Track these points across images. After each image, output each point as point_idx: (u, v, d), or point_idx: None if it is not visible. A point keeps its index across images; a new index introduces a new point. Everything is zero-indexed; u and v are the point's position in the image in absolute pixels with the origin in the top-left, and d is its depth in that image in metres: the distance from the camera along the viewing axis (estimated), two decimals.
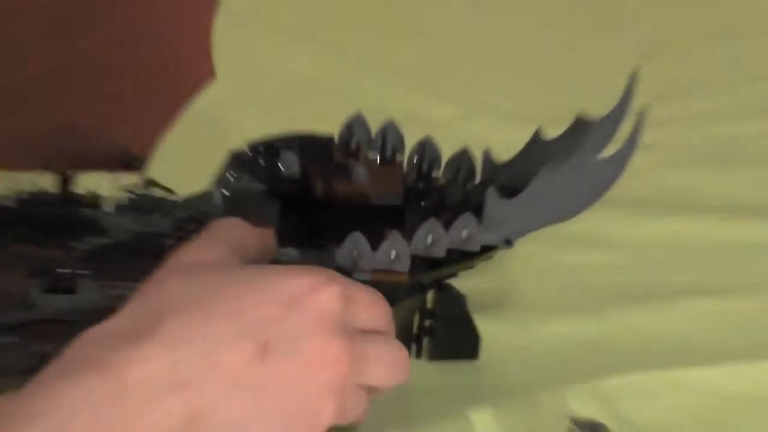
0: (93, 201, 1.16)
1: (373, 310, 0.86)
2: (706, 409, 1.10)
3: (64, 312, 1.04)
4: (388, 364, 0.85)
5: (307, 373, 0.80)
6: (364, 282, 0.92)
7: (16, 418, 0.71)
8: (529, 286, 1.29)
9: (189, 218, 1.14)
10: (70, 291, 1.06)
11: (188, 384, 0.77)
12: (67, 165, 1.16)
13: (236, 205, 1.13)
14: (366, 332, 0.83)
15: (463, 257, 1.06)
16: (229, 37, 1.60)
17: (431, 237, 1.02)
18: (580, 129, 1.07)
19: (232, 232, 0.92)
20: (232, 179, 1.14)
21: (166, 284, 0.83)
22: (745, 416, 1.08)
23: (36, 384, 0.75)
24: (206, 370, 0.78)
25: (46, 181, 1.16)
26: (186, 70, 1.43)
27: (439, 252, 1.03)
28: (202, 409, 0.78)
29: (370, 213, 1.12)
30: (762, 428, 1.09)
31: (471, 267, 1.11)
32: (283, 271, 0.82)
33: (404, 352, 0.86)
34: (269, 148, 1.16)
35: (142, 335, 0.77)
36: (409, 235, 1.02)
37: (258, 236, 0.95)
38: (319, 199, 1.13)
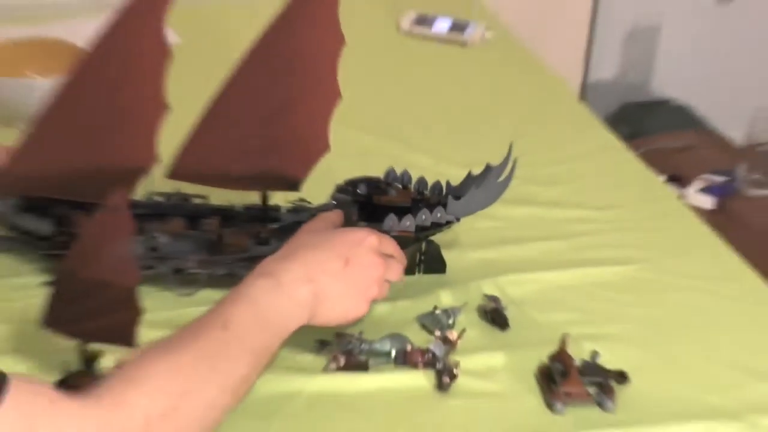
0: (276, 207, 1.80)
1: (392, 248, 1.53)
2: (550, 291, 1.76)
3: (265, 252, 1.58)
4: (398, 270, 1.52)
5: (366, 271, 1.45)
6: (395, 237, 1.63)
7: (238, 294, 1.34)
8: (466, 236, 1.90)
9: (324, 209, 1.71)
10: (266, 243, 1.71)
11: (313, 279, 1.39)
12: (266, 188, 1.77)
13: (339, 207, 1.73)
14: (388, 257, 1.50)
15: (437, 226, 1.73)
16: None
17: (423, 217, 1.68)
18: (488, 170, 1.73)
19: (330, 216, 1.59)
20: (338, 196, 1.77)
21: (301, 237, 1.49)
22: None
23: (245, 280, 1.37)
24: (320, 272, 1.40)
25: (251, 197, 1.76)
26: (321, 141, 1.81)
27: (427, 223, 1.70)
28: (320, 291, 1.40)
29: (397, 209, 1.72)
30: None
31: (440, 231, 1.77)
32: (350, 230, 1.51)
33: (403, 265, 1.54)
34: (352, 182, 1.79)
35: (288, 258, 1.41)
36: (414, 217, 1.69)
37: (340, 218, 1.61)
38: (375, 204, 1.78)
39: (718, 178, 2.51)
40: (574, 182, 2.00)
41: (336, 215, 1.59)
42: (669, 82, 3.55)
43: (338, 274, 1.35)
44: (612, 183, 2.02)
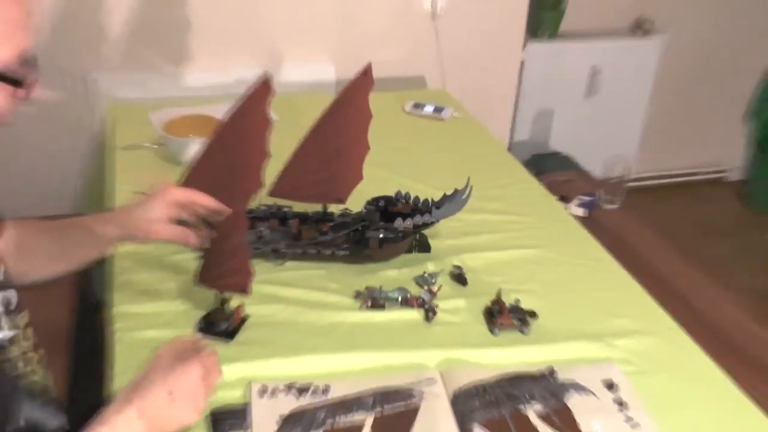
0: (331, 213, 1.74)
1: (211, 362, 1.17)
2: (492, 264, 1.73)
3: (324, 240, 1.64)
4: (216, 375, 1.18)
5: (188, 395, 1.13)
6: (402, 229, 1.60)
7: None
8: (443, 230, 1.82)
9: (359, 216, 1.71)
10: (325, 234, 1.67)
11: (143, 414, 1.09)
12: (325, 202, 1.72)
13: (368, 214, 1.69)
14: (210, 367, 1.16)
15: (425, 225, 1.69)
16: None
17: (417, 219, 1.65)
18: (456, 192, 1.70)
19: (173, 347, 1.19)
20: (367, 207, 1.71)
21: (146, 373, 1.14)
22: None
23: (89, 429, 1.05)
24: (150, 407, 1.10)
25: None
26: (357, 175, 1.71)
27: (419, 223, 1.65)
28: (150, 419, 1.10)
29: (402, 214, 1.65)
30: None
31: (427, 228, 1.71)
32: (181, 366, 1.13)
33: (218, 372, 1.19)
34: (376, 199, 1.73)
35: (126, 401, 1.09)
36: (412, 219, 1.64)
37: (179, 347, 1.20)
38: (390, 211, 1.70)
39: (587, 198, 2.54)
40: (506, 199, 1.98)
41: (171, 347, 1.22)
42: (558, 143, 3.55)
43: (165, 405, 1.11)
44: (528, 200, 2.01)
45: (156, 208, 1.39)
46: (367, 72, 1.67)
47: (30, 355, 1.22)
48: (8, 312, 1.15)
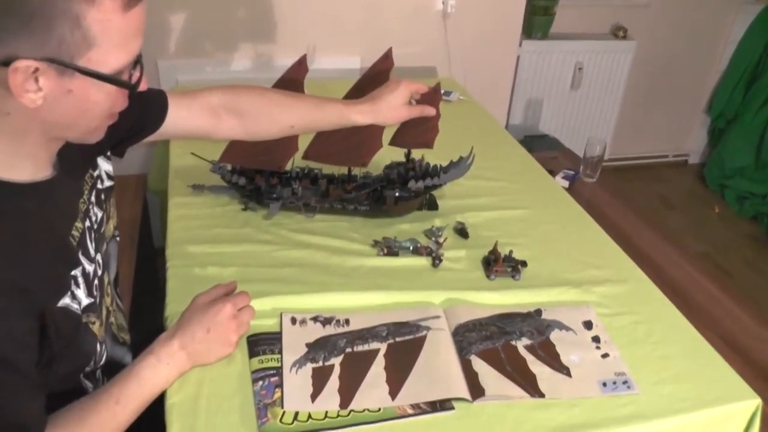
0: (355, 175, 1.69)
1: (243, 301, 1.21)
2: (489, 221, 1.69)
3: (349, 197, 1.62)
4: (249, 314, 1.21)
5: (223, 331, 1.16)
6: (415, 190, 1.57)
7: (128, 373, 1.07)
8: (448, 192, 1.79)
9: (378, 178, 1.68)
10: (350, 193, 1.63)
11: (185, 346, 1.12)
12: (351, 165, 1.66)
13: (387, 176, 1.66)
14: (243, 308, 1.20)
15: (434, 186, 1.66)
16: None
17: (428, 181, 1.62)
18: (461, 159, 1.66)
19: (209, 294, 1.22)
20: (386, 170, 1.68)
21: (186, 315, 1.18)
22: None
23: (136, 360, 1.10)
24: (190, 341, 1.13)
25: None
26: (376, 147, 1.58)
27: (429, 185, 1.63)
28: (192, 351, 1.13)
29: (415, 177, 1.63)
30: None
31: (436, 189, 1.68)
32: (214, 306, 1.16)
33: (252, 311, 1.22)
34: (392, 164, 1.70)
35: (170, 336, 1.13)
36: (423, 181, 1.62)
37: (217, 291, 1.25)
38: (404, 175, 1.66)
39: (570, 172, 2.53)
40: (502, 169, 1.94)
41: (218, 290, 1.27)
42: (546, 127, 3.56)
43: (203, 339, 1.13)
44: (521, 170, 1.97)
45: (399, 97, 1.42)
46: (388, 55, 1.64)
47: (112, 307, 1.22)
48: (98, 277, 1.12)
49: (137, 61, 0.94)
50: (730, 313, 2.36)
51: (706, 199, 3.96)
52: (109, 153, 1.23)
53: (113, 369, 1.14)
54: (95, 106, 0.92)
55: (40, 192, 0.95)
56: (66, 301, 0.98)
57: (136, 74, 0.95)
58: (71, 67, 0.85)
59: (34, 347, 0.91)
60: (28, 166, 0.94)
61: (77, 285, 1.01)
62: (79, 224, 1.06)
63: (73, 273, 1.01)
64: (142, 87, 0.97)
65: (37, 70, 0.83)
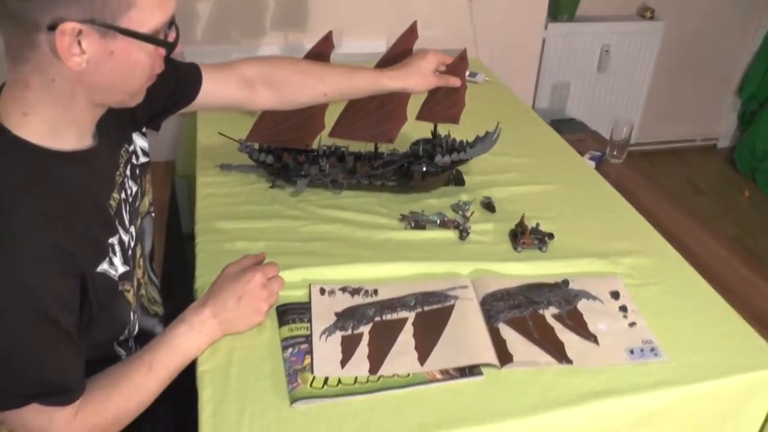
0: (381, 152, 1.69)
1: (273, 271, 1.22)
2: (515, 196, 1.69)
3: (375, 173, 1.62)
4: (279, 283, 1.22)
5: (253, 300, 1.17)
6: (441, 164, 1.57)
7: (162, 340, 1.09)
8: (475, 167, 1.78)
9: (405, 154, 1.68)
10: (377, 170, 1.63)
11: (217, 314, 1.14)
12: (377, 140, 1.66)
13: (412, 152, 1.65)
14: (272, 278, 1.21)
15: (460, 162, 1.66)
16: None
17: (454, 156, 1.63)
18: (486, 134, 1.65)
19: (239, 264, 1.25)
20: (413, 147, 1.67)
21: (217, 284, 1.20)
22: None
23: (169, 327, 1.12)
24: (221, 309, 1.15)
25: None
26: (401, 124, 1.61)
27: (456, 159, 1.64)
28: (223, 319, 1.15)
29: (442, 152, 1.63)
30: None
31: (462, 164, 1.68)
32: (244, 276, 1.17)
33: (281, 280, 1.23)
34: (419, 140, 1.69)
35: (201, 305, 1.15)
36: (450, 155, 1.62)
37: (247, 262, 1.27)
38: (431, 152, 1.66)
39: (596, 153, 2.51)
40: (529, 146, 1.94)
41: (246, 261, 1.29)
42: (573, 110, 3.54)
43: (234, 308, 1.15)
44: (548, 148, 1.96)
45: (428, 63, 1.47)
46: (413, 28, 1.64)
47: (143, 279, 1.24)
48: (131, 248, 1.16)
49: (172, 22, 0.97)
50: (762, 293, 2.34)
51: (737, 183, 3.90)
52: (144, 129, 1.26)
53: (145, 339, 1.16)
54: (136, 67, 0.94)
55: (83, 160, 0.98)
56: (104, 266, 1.00)
57: (172, 34, 0.98)
58: (113, 28, 0.87)
59: (75, 309, 0.94)
60: (72, 136, 0.97)
61: (114, 253, 1.04)
62: (116, 195, 1.09)
63: (110, 240, 1.04)
64: (178, 49, 1.00)
65: (80, 32, 0.85)
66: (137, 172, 1.19)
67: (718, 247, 2.49)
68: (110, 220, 1.05)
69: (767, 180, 3.82)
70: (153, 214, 1.29)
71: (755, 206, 3.73)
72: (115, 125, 1.09)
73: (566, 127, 3.21)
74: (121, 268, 1.06)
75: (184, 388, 1.12)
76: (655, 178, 3.07)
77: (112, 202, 1.06)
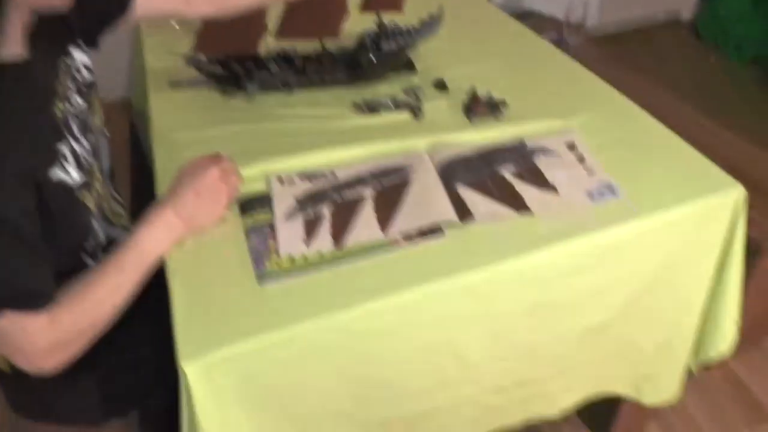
0: (329, 50, 1.65)
1: (229, 167, 1.20)
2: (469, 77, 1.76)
3: (320, 69, 1.60)
4: (235, 181, 1.22)
5: (212, 193, 1.17)
6: (389, 50, 1.54)
7: (127, 243, 1.08)
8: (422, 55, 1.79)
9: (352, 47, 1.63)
10: (321, 63, 1.62)
11: (178, 212, 1.13)
12: (322, 35, 1.68)
13: (359, 43, 1.62)
14: (230, 172, 1.19)
15: (407, 45, 1.62)
16: None
17: (400, 40, 1.60)
18: (431, 18, 1.63)
19: (195, 163, 1.22)
20: (358, 38, 1.62)
21: (174, 182, 1.18)
22: None
23: (132, 229, 1.11)
24: (181, 206, 1.14)
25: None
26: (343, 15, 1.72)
27: (402, 44, 1.61)
28: (185, 216, 1.14)
29: (387, 39, 1.60)
30: None
31: (410, 47, 1.65)
32: (201, 170, 1.16)
33: (238, 175, 1.22)
34: (364, 32, 1.63)
35: (161, 204, 1.13)
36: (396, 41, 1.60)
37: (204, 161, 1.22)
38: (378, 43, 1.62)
39: (553, 33, 2.41)
40: (480, 32, 1.91)
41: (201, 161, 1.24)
42: (535, 3, 3.35)
43: (194, 202, 1.15)
44: (501, 31, 1.95)
45: None
46: None
47: (103, 192, 1.26)
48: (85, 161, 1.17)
49: None
50: (726, 141, 2.38)
51: (702, 51, 3.92)
52: (82, 43, 1.25)
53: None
54: None
55: (16, 70, 0.99)
56: (59, 173, 1.02)
57: None
58: None
59: (36, 220, 0.96)
60: (4, 45, 0.98)
61: (67, 160, 1.06)
62: (60, 104, 1.10)
63: (60, 147, 1.06)
64: None
65: None
66: (84, 90, 1.20)
67: (684, 105, 2.51)
68: (56, 124, 1.07)
69: (732, 45, 3.81)
70: (107, 135, 1.30)
71: (722, 71, 3.75)
72: (48, 36, 1.09)
73: (523, 19, 3.17)
74: (78, 177, 1.07)
75: (157, 291, 1.14)
76: (618, 55, 3.07)
77: (57, 111, 1.08)
